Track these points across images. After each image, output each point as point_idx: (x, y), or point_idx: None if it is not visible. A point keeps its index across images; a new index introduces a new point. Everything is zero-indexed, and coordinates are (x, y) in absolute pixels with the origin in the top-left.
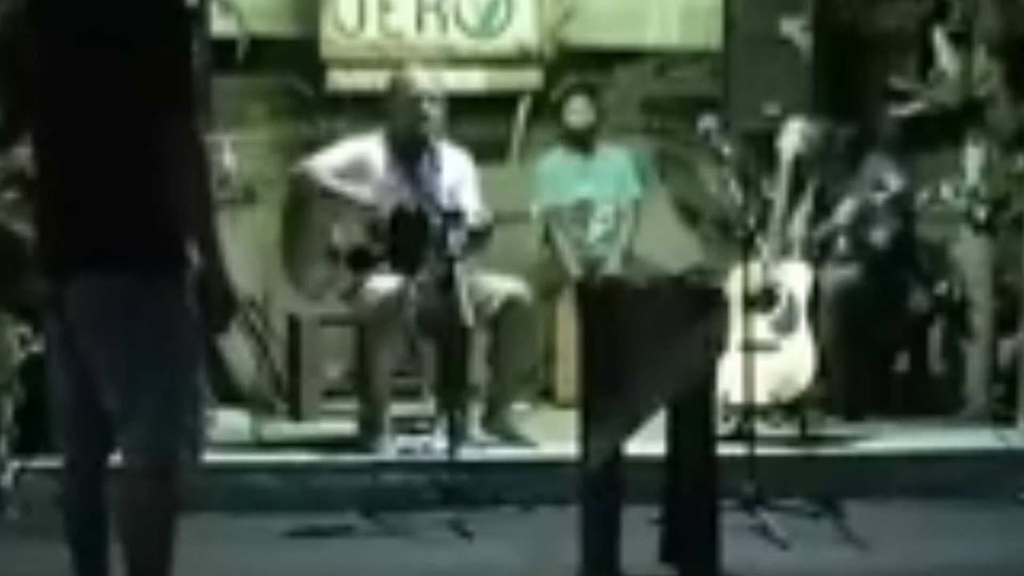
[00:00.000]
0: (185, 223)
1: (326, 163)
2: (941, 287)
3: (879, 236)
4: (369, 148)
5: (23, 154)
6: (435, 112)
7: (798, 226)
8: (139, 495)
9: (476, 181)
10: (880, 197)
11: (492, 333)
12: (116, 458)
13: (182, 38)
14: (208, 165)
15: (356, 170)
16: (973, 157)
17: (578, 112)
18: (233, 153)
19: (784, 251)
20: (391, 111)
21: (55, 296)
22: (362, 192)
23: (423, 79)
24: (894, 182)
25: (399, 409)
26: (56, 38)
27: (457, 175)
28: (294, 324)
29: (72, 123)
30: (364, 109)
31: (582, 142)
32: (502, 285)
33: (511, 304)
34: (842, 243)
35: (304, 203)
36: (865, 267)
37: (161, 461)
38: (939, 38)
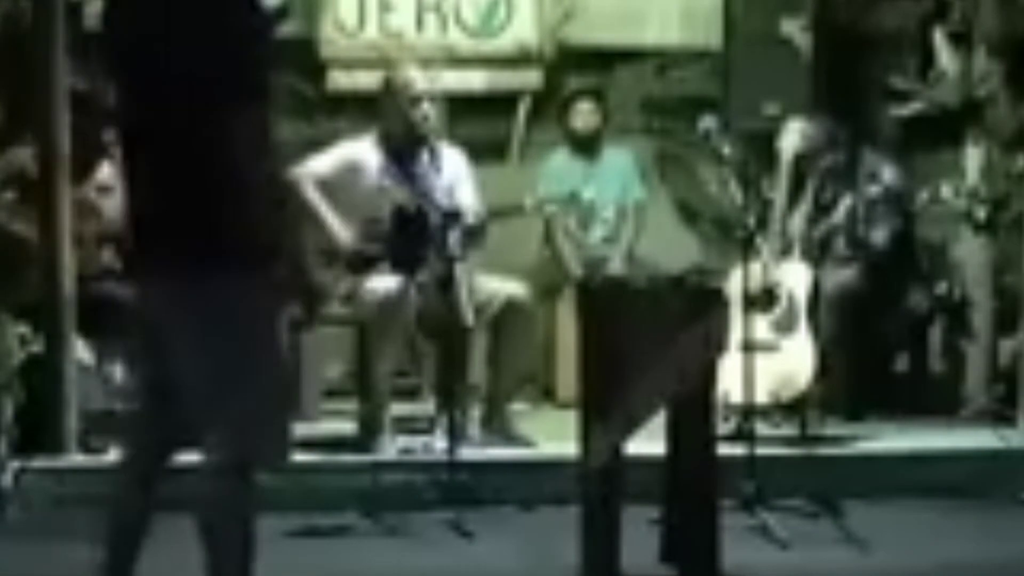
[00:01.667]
0: (270, 223)
1: (314, 171)
2: (941, 287)
3: (878, 235)
4: (362, 150)
5: (23, 154)
6: (433, 112)
7: (798, 226)
8: (226, 493)
9: (473, 180)
10: (875, 191)
11: (492, 335)
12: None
13: (262, 37)
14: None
15: (349, 173)
16: (973, 157)
17: (583, 116)
18: None
19: (784, 251)
20: (386, 112)
21: (139, 297)
22: (335, 223)
23: (419, 79)
24: (889, 175)
25: (399, 409)
26: (139, 44)
27: (454, 174)
28: (294, 324)
29: (158, 127)
30: (364, 109)
31: (587, 145)
32: (502, 287)
33: (511, 306)
34: (842, 243)
35: (299, 204)
36: (865, 267)
37: (248, 460)
38: (939, 38)
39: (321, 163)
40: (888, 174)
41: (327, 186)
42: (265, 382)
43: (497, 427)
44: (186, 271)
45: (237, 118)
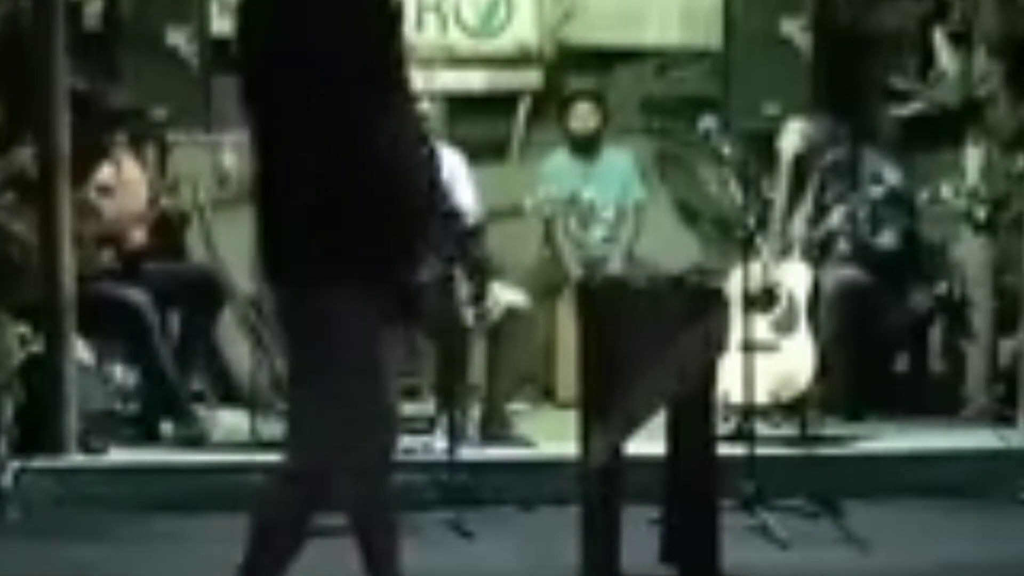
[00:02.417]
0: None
1: None
2: (941, 287)
3: (885, 236)
4: None
5: (23, 154)
6: (432, 112)
7: (798, 226)
8: (365, 495)
9: (471, 180)
10: (879, 191)
11: (492, 342)
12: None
13: (395, 38)
14: (420, 161)
15: None
16: (973, 157)
17: (582, 118)
18: (233, 153)
19: (784, 251)
20: None
21: (279, 303)
22: None
23: (417, 79)
24: (892, 176)
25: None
26: (270, 48)
27: (451, 175)
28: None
29: (292, 130)
30: None
31: (586, 146)
32: (502, 295)
33: (511, 314)
34: (842, 243)
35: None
36: (865, 267)
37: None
38: (939, 38)
39: None
40: (892, 175)
41: None
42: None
43: (497, 427)
44: (307, 276)
45: (384, 116)
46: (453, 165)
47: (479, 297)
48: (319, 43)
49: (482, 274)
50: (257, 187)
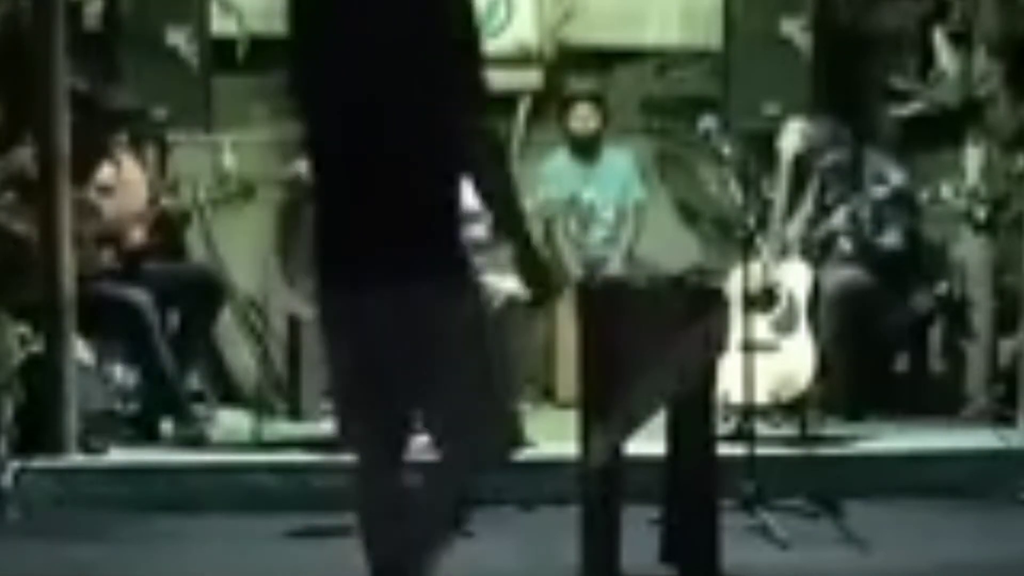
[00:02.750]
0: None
1: None
2: (941, 287)
3: (885, 235)
4: None
5: (23, 154)
6: None
7: (798, 226)
8: (439, 491)
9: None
10: (881, 191)
11: (494, 332)
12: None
13: (473, 34)
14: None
15: None
16: (973, 157)
17: (582, 118)
18: (233, 153)
19: (784, 251)
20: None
21: (349, 307)
22: None
23: None
24: (895, 176)
25: None
26: (349, 44)
27: None
28: (294, 324)
29: (369, 129)
30: None
31: (586, 147)
32: (502, 285)
33: (511, 304)
34: (843, 243)
35: (300, 204)
36: (868, 267)
37: (466, 461)
38: (939, 38)
39: None
40: (895, 174)
41: None
42: (484, 383)
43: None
44: (398, 277)
45: (449, 117)
46: None
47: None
48: (390, 35)
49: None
50: (328, 186)
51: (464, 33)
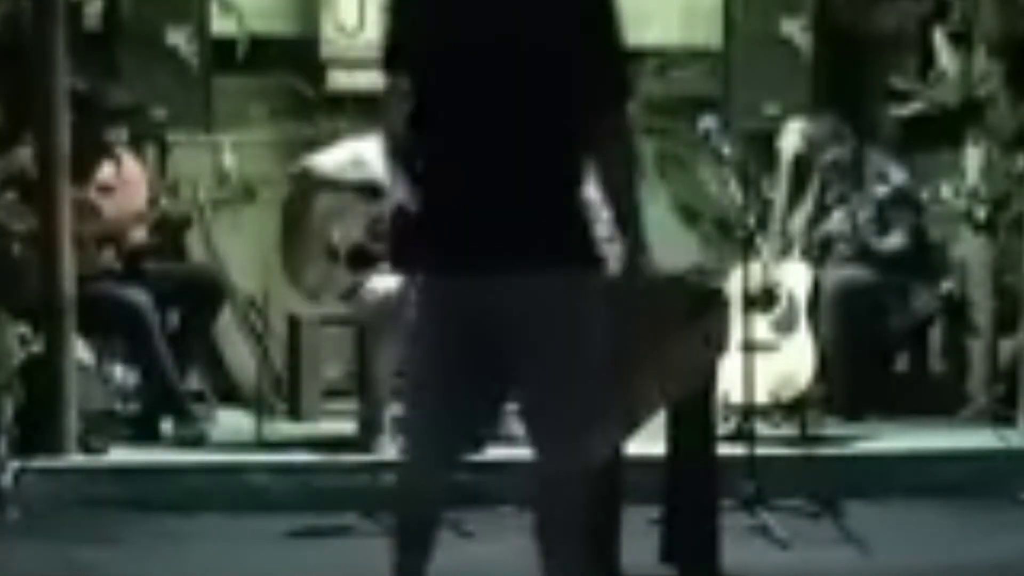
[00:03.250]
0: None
1: (328, 159)
2: (941, 287)
3: (888, 235)
4: (368, 150)
5: (23, 154)
6: None
7: (798, 226)
8: (563, 496)
9: None
10: (884, 191)
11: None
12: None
13: (611, 22)
14: (631, 146)
15: (357, 170)
16: (973, 157)
17: None
18: (233, 153)
19: (784, 251)
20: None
21: (446, 298)
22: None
23: None
24: (897, 176)
25: (399, 409)
26: (484, 30)
27: None
28: (294, 324)
29: (497, 118)
30: (364, 109)
31: None
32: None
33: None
34: (844, 243)
35: (304, 203)
36: (870, 266)
37: (584, 461)
38: (939, 38)
39: (332, 155)
40: (897, 174)
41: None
42: (600, 381)
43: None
44: (519, 268)
45: (585, 106)
46: None
47: None
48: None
49: None
50: (438, 167)
51: (606, 28)
